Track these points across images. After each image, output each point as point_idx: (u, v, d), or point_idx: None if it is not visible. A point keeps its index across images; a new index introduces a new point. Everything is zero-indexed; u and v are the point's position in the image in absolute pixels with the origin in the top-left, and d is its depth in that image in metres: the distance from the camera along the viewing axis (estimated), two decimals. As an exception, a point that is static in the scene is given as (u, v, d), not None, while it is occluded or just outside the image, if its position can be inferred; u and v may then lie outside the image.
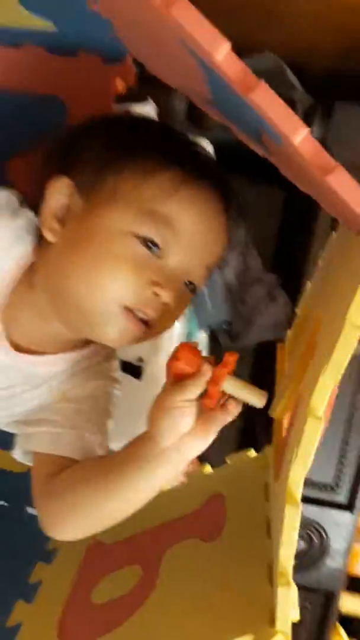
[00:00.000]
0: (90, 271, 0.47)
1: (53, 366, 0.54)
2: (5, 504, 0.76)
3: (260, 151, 0.50)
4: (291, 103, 0.81)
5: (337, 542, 0.92)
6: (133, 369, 0.76)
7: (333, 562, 0.94)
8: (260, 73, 0.85)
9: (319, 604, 1.02)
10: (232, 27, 0.63)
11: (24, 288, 0.51)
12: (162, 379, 0.73)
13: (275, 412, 0.46)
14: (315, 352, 0.37)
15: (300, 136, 0.30)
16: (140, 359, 0.76)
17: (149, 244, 0.47)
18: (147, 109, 0.73)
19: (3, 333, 0.52)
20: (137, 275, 0.47)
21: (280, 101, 0.30)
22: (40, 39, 0.59)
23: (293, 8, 0.76)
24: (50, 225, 0.49)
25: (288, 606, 0.35)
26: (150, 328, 0.49)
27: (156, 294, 0.47)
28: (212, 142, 0.78)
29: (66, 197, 0.49)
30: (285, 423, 0.49)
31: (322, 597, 1.02)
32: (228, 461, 0.66)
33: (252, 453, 0.65)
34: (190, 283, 0.50)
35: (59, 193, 0.49)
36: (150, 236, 0.47)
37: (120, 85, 0.65)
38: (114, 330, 0.48)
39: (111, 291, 0.47)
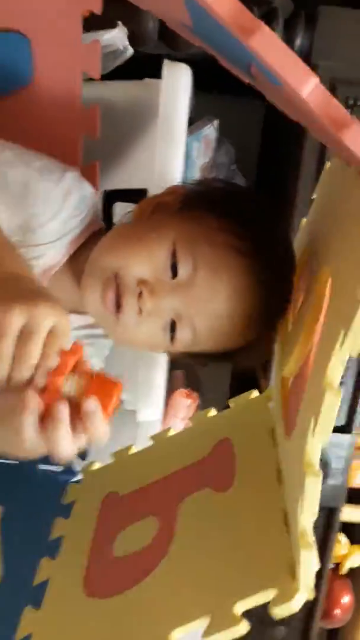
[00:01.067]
0: (123, 241, 0.51)
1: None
2: (16, 461, 0.76)
3: (245, 78, 0.45)
4: (271, 8, 0.74)
5: (336, 462, 0.96)
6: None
7: (334, 480, 0.99)
8: None
9: (321, 519, 1.08)
10: None
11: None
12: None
13: (284, 371, 0.45)
14: (328, 315, 0.35)
15: (309, 87, 0.26)
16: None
17: (174, 263, 0.49)
18: (117, 34, 0.66)
19: None
20: (146, 267, 0.49)
21: (284, 46, 0.27)
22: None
23: None
24: (146, 208, 0.55)
25: (310, 568, 0.36)
26: (116, 325, 0.51)
27: (140, 294, 0.49)
28: (186, 60, 0.72)
29: (173, 200, 0.54)
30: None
31: (325, 512, 1.07)
32: (231, 404, 0.66)
33: (254, 394, 0.64)
34: (173, 326, 0.50)
35: (173, 195, 0.55)
36: (180, 261, 0.49)
37: (86, 13, 0.58)
38: (91, 293, 0.51)
39: (118, 259, 0.50)
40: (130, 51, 0.71)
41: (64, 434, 0.38)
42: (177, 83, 0.65)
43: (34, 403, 0.36)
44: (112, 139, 0.68)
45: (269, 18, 0.73)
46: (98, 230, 0.56)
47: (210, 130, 0.93)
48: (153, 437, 0.72)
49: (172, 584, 0.49)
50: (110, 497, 0.66)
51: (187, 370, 1.07)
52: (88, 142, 0.61)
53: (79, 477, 0.75)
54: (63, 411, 0.37)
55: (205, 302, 0.49)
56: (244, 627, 0.41)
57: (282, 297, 0.51)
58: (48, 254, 0.51)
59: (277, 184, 1.06)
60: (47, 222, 0.50)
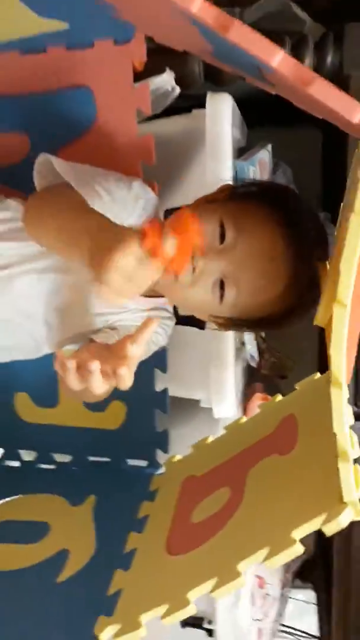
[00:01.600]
0: None
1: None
2: (108, 459, 0.85)
3: (266, 87, 0.54)
4: (302, 36, 0.83)
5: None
6: (196, 322, 0.83)
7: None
8: (269, 14, 0.90)
9: None
10: None
11: None
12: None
13: (316, 319, 0.50)
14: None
15: (277, 58, 0.34)
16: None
17: (222, 233, 0.58)
18: (165, 78, 0.78)
19: None
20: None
21: (255, 34, 0.35)
22: (59, 39, 0.66)
23: None
24: (200, 202, 0.65)
25: (350, 478, 0.40)
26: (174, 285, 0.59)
27: (192, 256, 0.56)
28: (233, 95, 0.81)
29: (222, 195, 0.65)
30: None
31: None
32: (296, 387, 0.70)
33: (317, 375, 0.69)
34: (222, 285, 0.58)
35: (222, 192, 0.66)
36: (226, 230, 0.58)
37: (137, 64, 0.71)
38: None
39: None
40: (177, 90, 0.83)
41: (97, 381, 0.49)
42: (219, 109, 0.75)
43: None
44: (167, 165, 0.79)
45: (300, 45, 0.82)
46: None
47: (264, 154, 1.01)
48: (226, 427, 0.78)
49: (239, 529, 0.54)
50: (189, 480, 0.72)
51: (265, 382, 1.11)
52: (146, 168, 0.72)
53: (162, 470, 0.81)
54: (94, 365, 0.48)
55: (246, 261, 0.58)
56: (299, 548, 0.45)
57: (310, 262, 0.57)
58: None
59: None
60: (126, 220, 0.60)
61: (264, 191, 0.64)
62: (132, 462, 0.84)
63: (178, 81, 0.83)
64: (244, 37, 0.35)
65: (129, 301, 0.64)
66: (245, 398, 1.01)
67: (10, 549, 0.69)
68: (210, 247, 0.58)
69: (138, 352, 0.51)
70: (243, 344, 1.04)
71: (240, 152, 0.96)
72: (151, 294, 0.65)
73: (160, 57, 0.83)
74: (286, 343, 1.12)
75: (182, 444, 0.81)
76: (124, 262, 0.47)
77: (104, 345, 0.56)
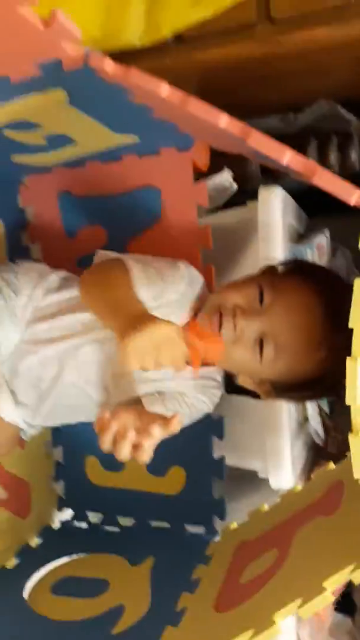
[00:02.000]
0: (226, 286, 0.72)
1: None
2: (168, 525, 0.88)
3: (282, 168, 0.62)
4: (348, 135, 0.92)
5: None
6: (252, 391, 0.87)
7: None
8: (318, 117, 1.02)
9: None
10: (289, 86, 0.82)
11: None
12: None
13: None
14: None
15: (287, 157, 0.43)
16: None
17: (261, 295, 0.65)
18: (225, 176, 0.89)
19: None
20: (240, 297, 0.66)
21: (269, 139, 0.44)
22: (132, 150, 0.79)
23: (336, 59, 0.90)
24: None
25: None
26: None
27: (234, 314, 0.64)
28: (286, 189, 0.90)
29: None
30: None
31: None
32: (347, 454, 0.73)
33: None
34: (260, 343, 0.64)
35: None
36: (264, 293, 0.65)
37: (201, 164, 0.83)
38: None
39: (220, 296, 0.69)
40: (235, 187, 0.93)
41: (126, 448, 0.57)
42: (269, 199, 0.84)
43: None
44: (225, 251, 0.88)
45: (346, 141, 0.91)
46: None
47: (322, 238, 1.08)
48: (281, 495, 0.80)
49: (280, 584, 0.56)
50: (242, 545, 0.74)
51: (334, 459, 1.11)
52: (205, 254, 0.81)
53: (218, 537, 0.84)
54: (131, 434, 0.57)
55: (283, 321, 0.63)
56: (328, 597, 0.47)
57: (344, 329, 0.61)
58: (172, 317, 0.70)
59: None
60: (171, 295, 0.70)
61: (299, 265, 0.72)
62: (190, 528, 0.87)
63: (238, 178, 0.94)
64: (260, 143, 0.44)
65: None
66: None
67: (71, 603, 0.73)
68: (250, 308, 0.65)
69: (161, 435, 0.58)
70: (306, 419, 1.06)
71: (301, 238, 1.04)
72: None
73: (222, 158, 0.96)
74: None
75: (241, 514, 0.83)
76: (141, 343, 0.54)
77: (136, 413, 0.63)
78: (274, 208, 0.84)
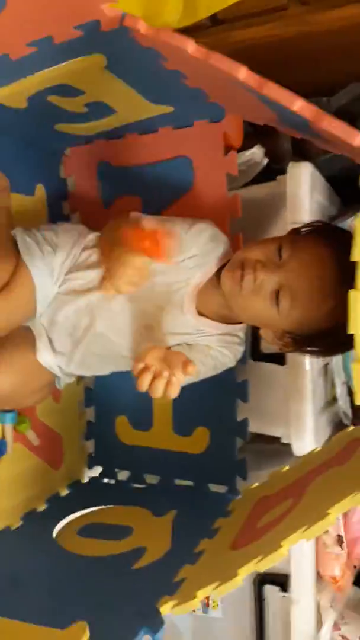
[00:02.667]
0: (248, 244, 0.75)
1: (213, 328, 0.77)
2: (192, 483, 0.92)
3: (321, 144, 0.65)
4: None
5: None
6: (277, 358, 0.90)
7: None
8: (352, 99, 1.04)
9: None
10: (322, 68, 0.85)
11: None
12: (303, 362, 0.86)
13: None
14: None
15: (298, 103, 0.46)
16: (282, 348, 0.90)
17: (279, 251, 0.69)
18: (255, 151, 0.93)
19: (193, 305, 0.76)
20: (260, 253, 0.70)
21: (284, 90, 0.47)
22: (166, 121, 0.84)
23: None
24: None
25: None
26: (239, 294, 0.70)
27: (255, 268, 0.68)
28: (318, 167, 0.93)
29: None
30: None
31: None
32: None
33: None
34: (277, 295, 0.68)
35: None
36: (283, 249, 0.69)
37: (234, 140, 0.86)
38: (225, 276, 0.72)
39: (244, 252, 0.72)
40: (265, 161, 0.96)
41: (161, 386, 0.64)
42: (298, 173, 0.86)
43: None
44: (254, 222, 0.91)
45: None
46: None
47: (351, 221, 1.10)
48: (302, 456, 0.82)
49: (290, 521, 0.59)
50: (261, 499, 0.77)
51: None
52: (234, 225, 0.85)
53: (240, 496, 0.87)
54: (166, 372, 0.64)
55: (299, 275, 0.67)
56: (331, 520, 0.50)
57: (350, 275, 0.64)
58: (196, 275, 0.74)
59: None
60: (189, 250, 0.74)
61: (319, 226, 0.75)
62: (213, 487, 0.90)
63: (270, 157, 0.97)
64: (274, 91, 0.47)
65: (205, 326, 0.76)
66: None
67: (95, 543, 0.78)
68: (269, 262, 0.68)
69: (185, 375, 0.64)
70: (335, 399, 1.08)
71: (332, 220, 1.06)
72: (225, 320, 0.76)
73: (257, 138, 0.99)
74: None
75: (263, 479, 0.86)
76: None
77: (165, 351, 0.67)
78: (303, 182, 0.86)
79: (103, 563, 0.72)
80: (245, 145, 0.95)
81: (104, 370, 0.82)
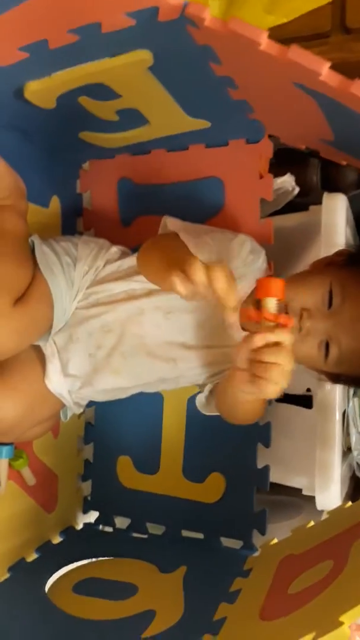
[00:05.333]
0: (295, 280, 0.67)
1: None
2: (202, 536, 0.82)
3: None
4: None
5: None
6: (304, 401, 0.83)
7: None
8: None
9: None
10: None
11: None
12: (331, 404, 0.79)
13: None
14: None
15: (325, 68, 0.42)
16: (309, 390, 0.82)
17: (330, 298, 0.62)
18: (287, 179, 0.88)
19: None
20: (308, 299, 0.63)
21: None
22: (199, 138, 0.79)
23: None
24: (319, 264, 0.71)
25: None
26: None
27: (301, 317, 0.62)
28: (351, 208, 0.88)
29: (340, 259, 0.70)
30: None
31: None
32: None
33: None
34: (327, 347, 0.62)
35: (340, 256, 0.71)
36: (334, 296, 0.62)
37: (261, 166, 0.81)
38: None
39: (288, 293, 0.61)
40: (297, 190, 0.92)
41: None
42: (334, 204, 0.82)
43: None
44: (286, 251, 0.85)
45: None
46: None
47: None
48: (329, 512, 0.74)
49: (339, 590, 0.50)
50: (287, 558, 0.68)
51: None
52: (266, 252, 0.79)
53: (257, 552, 0.77)
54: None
55: (349, 326, 0.61)
56: None
57: None
58: (241, 287, 0.67)
59: None
60: (231, 262, 0.67)
61: None
62: (226, 541, 0.81)
63: (296, 182, 0.93)
64: (300, 55, 0.43)
65: None
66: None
67: (95, 603, 0.67)
68: (318, 310, 0.62)
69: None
70: (349, 449, 1.00)
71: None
72: None
73: (284, 169, 0.95)
74: None
75: (280, 533, 0.77)
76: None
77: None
78: (339, 212, 0.81)
79: (107, 628, 0.62)
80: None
81: (127, 393, 0.73)
